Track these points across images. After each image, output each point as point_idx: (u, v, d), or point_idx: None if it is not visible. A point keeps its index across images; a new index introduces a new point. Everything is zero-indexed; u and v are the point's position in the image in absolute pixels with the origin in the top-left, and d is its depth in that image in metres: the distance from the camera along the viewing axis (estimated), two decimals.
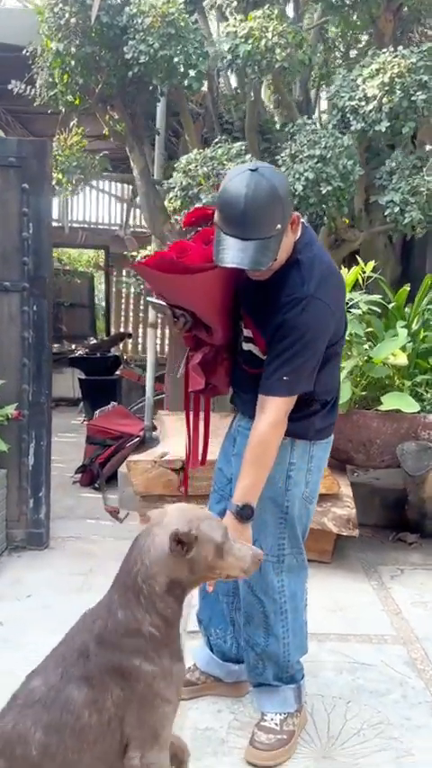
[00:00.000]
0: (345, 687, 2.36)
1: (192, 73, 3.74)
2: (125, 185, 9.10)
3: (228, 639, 2.21)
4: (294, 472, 1.92)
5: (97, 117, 4.48)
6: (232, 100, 4.80)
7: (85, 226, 9.70)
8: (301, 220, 1.82)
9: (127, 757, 1.40)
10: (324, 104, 5.22)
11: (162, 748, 1.44)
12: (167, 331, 5.64)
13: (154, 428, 5.01)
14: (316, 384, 1.87)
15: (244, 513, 1.79)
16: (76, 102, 4.12)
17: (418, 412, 3.34)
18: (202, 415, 2.17)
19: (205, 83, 4.28)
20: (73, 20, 3.62)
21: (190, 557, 1.44)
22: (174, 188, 3.66)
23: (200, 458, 2.18)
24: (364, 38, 5.04)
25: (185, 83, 3.77)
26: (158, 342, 6.78)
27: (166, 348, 7.99)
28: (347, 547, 3.66)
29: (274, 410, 1.78)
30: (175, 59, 3.63)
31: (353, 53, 5.25)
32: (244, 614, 2.04)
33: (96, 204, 9.93)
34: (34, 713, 1.37)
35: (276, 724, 2.00)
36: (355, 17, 4.23)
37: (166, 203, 3.81)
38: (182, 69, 3.71)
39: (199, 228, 2.02)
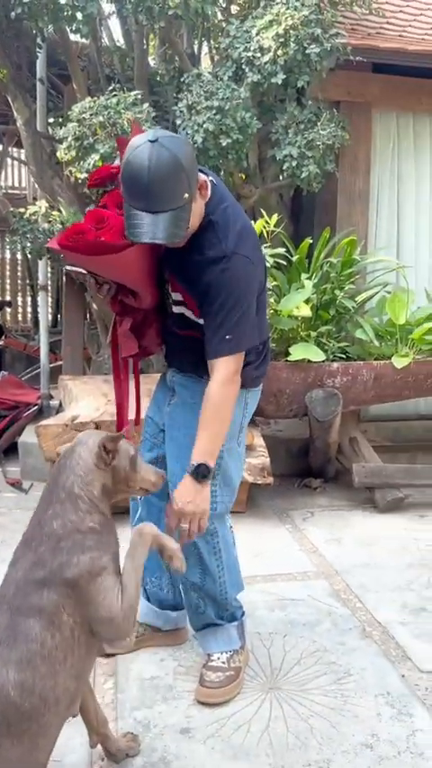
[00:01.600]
0: (278, 622, 2.46)
1: (79, 16, 3.54)
2: None
3: (164, 587, 2.23)
4: (231, 419, 1.93)
5: None
6: (116, 51, 4.62)
7: None
8: (209, 179, 1.82)
9: (112, 647, 1.55)
10: (204, 59, 5.16)
11: (122, 617, 1.48)
12: (62, 295, 5.41)
13: (50, 397, 4.84)
14: None
15: (199, 472, 1.80)
16: None
17: (323, 361, 3.47)
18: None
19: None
20: None
21: (113, 465, 1.56)
22: (67, 138, 3.48)
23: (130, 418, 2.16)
24: None
25: (73, 26, 3.57)
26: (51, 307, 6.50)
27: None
28: (258, 496, 3.77)
29: (223, 369, 1.80)
30: (63, 1, 3.42)
31: (234, 8, 5.22)
32: None
33: None
34: (0, 656, 1.35)
35: (223, 662, 2.05)
36: None
37: (58, 155, 3.62)
38: (69, 12, 3.51)
39: (106, 189, 1.95)
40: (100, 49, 4.47)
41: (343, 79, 4.09)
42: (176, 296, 1.92)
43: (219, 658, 2.06)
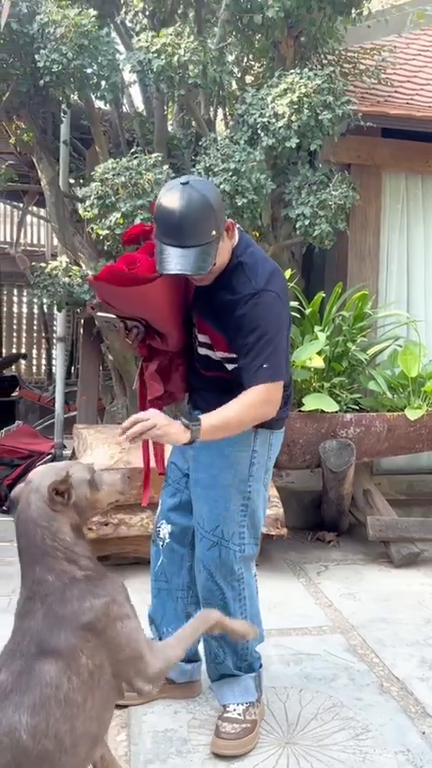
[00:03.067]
0: (294, 677, 2.41)
1: (104, 84, 3.75)
2: (8, 206, 8.88)
3: None
4: (257, 459, 1.99)
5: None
6: (136, 117, 4.85)
7: None
8: (237, 226, 1.93)
9: (136, 689, 1.49)
10: (219, 124, 5.41)
11: (151, 657, 1.50)
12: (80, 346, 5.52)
13: (64, 446, 4.88)
14: None
15: (194, 422, 1.74)
16: None
17: (337, 412, 3.50)
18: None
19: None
20: None
21: (73, 502, 1.51)
22: (89, 197, 3.63)
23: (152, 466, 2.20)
24: (258, 66, 5.31)
25: (98, 94, 3.78)
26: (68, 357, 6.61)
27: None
28: (271, 549, 3.74)
29: (261, 392, 1.82)
30: (88, 70, 3.64)
31: (248, 78, 5.50)
32: (203, 601, 2.05)
33: None
34: (12, 702, 1.34)
35: (239, 714, 2.01)
36: (257, 41, 4.43)
37: (81, 212, 3.77)
38: (94, 80, 3.72)
39: (139, 245, 2.06)
40: (121, 115, 4.71)
41: (354, 143, 4.27)
42: (203, 338, 1.98)
43: (235, 710, 2.02)
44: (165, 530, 2.17)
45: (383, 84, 4.62)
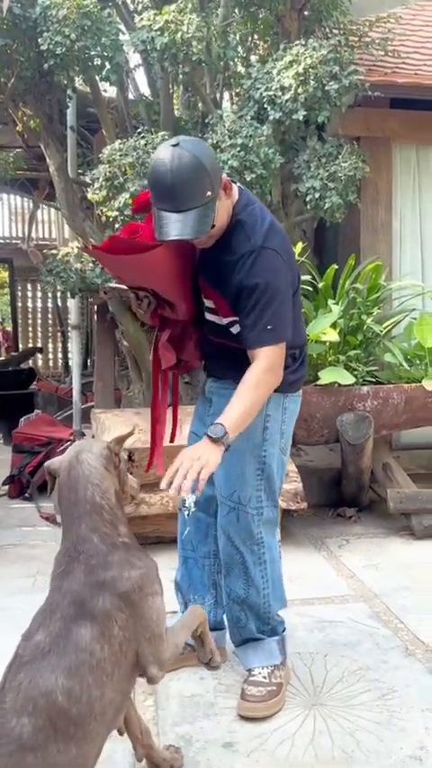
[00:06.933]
0: (318, 643, 2.41)
1: (107, 65, 3.75)
2: (24, 200, 8.95)
3: (206, 606, 2.20)
4: (270, 423, 1.97)
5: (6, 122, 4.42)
6: (142, 101, 4.85)
7: None
8: (237, 184, 1.88)
9: (148, 675, 1.49)
10: (226, 105, 5.39)
11: (166, 641, 1.53)
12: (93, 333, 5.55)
13: (83, 434, 4.90)
14: None
15: (215, 431, 1.70)
16: None
17: (353, 384, 3.48)
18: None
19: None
20: None
21: (119, 467, 1.58)
22: (98, 179, 3.64)
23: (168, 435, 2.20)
24: (263, 45, 5.27)
25: (102, 75, 3.78)
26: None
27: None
28: (292, 525, 3.74)
29: (265, 357, 1.78)
30: (92, 51, 3.63)
31: (253, 58, 5.47)
32: (224, 566, 2.06)
33: None
34: (50, 663, 1.35)
35: (265, 677, 2.02)
36: (261, 16, 4.39)
37: (89, 196, 3.78)
38: (98, 62, 3.71)
39: (149, 212, 2.05)
40: (127, 100, 4.70)
41: (362, 115, 4.23)
42: (208, 303, 1.97)
43: (260, 673, 2.02)
44: (190, 498, 2.17)
45: (390, 56, 4.56)
